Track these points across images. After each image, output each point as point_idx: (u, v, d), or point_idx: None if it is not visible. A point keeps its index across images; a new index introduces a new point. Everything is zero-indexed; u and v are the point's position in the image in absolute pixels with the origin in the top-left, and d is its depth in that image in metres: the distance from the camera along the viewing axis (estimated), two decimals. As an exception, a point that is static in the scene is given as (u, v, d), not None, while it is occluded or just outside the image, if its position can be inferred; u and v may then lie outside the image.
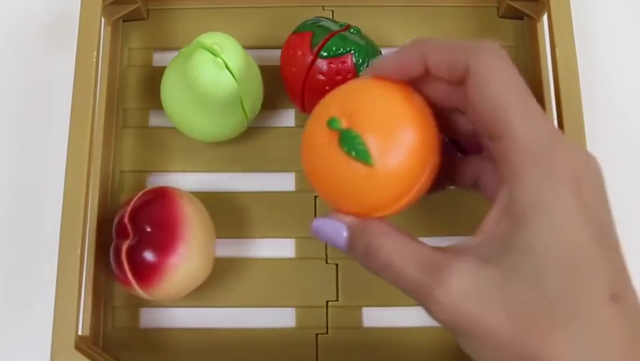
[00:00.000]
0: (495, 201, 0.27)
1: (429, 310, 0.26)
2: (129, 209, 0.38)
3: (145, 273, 0.37)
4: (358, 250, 0.29)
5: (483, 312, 0.25)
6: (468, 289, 0.25)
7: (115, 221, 0.39)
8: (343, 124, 0.29)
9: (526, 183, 0.26)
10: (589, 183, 0.26)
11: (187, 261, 0.38)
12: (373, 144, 0.28)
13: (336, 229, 0.30)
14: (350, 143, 0.28)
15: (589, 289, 0.24)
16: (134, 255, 0.37)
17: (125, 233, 0.38)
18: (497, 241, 0.26)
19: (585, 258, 0.24)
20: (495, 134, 0.27)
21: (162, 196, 0.39)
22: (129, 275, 0.37)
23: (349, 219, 0.30)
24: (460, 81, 0.28)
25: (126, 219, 0.38)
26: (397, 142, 0.29)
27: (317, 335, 0.42)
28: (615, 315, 0.24)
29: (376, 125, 0.29)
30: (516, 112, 0.27)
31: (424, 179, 0.30)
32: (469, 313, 0.25)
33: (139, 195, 0.39)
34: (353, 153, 0.28)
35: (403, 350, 0.42)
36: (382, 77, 0.31)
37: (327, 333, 0.42)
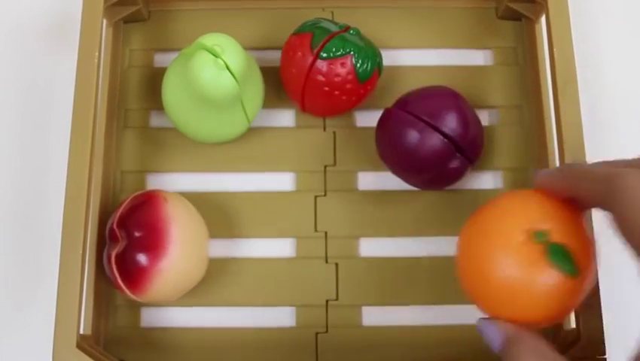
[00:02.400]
0: None
1: None
2: (117, 215, 0.39)
3: (134, 278, 0.37)
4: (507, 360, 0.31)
5: None
6: None
7: (107, 227, 0.39)
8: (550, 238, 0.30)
9: None
10: None
11: (175, 264, 0.38)
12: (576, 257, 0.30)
13: (495, 335, 0.32)
14: (561, 256, 0.30)
15: None
16: (122, 260, 0.38)
17: (115, 239, 0.38)
18: None
19: None
20: None
21: (148, 200, 0.39)
22: (119, 280, 0.38)
23: (508, 329, 0.31)
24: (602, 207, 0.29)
25: (115, 225, 0.38)
26: (591, 254, 0.31)
27: (317, 333, 0.42)
28: None
29: (573, 239, 0.31)
30: None
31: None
32: None
33: (128, 200, 0.39)
34: (562, 265, 0.30)
35: (402, 349, 0.42)
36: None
37: (327, 332, 0.42)
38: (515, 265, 0.30)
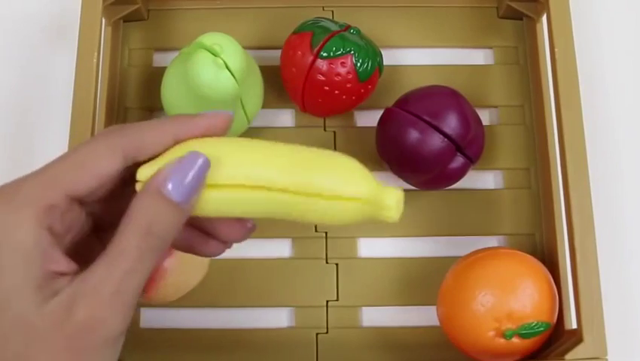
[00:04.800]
0: None
1: None
2: None
3: None
4: None
5: None
6: None
7: None
8: (512, 327, 0.36)
9: None
10: None
11: (179, 264, 0.38)
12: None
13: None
14: (531, 334, 0.36)
15: None
16: None
17: None
18: None
19: None
20: None
21: None
22: None
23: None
24: None
25: None
26: (555, 304, 0.38)
27: (317, 334, 0.42)
28: None
29: (538, 312, 0.36)
30: None
31: None
32: None
33: None
34: (534, 336, 0.36)
35: (402, 350, 0.42)
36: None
37: (327, 333, 0.42)
38: (489, 354, 0.37)
